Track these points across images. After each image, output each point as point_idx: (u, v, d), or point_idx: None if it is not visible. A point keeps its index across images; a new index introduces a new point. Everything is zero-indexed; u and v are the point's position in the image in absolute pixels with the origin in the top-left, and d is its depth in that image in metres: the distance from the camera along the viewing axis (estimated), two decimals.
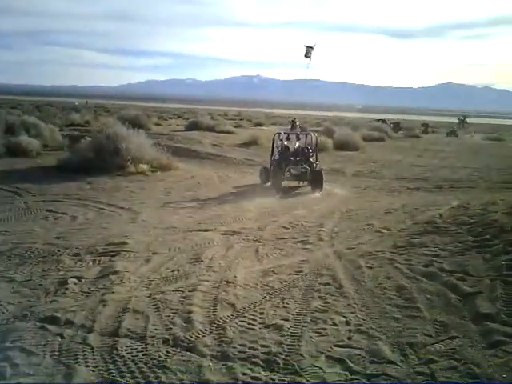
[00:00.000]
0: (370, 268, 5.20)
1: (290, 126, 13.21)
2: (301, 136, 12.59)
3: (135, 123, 19.68)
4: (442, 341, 3.53)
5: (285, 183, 11.64)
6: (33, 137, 16.20)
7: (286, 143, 12.09)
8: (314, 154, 12.22)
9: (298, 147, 12.13)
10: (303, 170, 11.46)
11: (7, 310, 4.15)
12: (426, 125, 49.40)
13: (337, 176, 14.41)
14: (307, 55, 13.91)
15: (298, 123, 13.36)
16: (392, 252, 5.70)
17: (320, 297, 4.54)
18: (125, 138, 13.18)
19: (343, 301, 4.41)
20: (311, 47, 13.85)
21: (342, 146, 21.71)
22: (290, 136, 12.40)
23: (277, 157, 12.00)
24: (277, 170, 11.54)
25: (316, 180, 11.54)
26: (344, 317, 4.06)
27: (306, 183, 11.84)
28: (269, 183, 11.88)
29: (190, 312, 4.06)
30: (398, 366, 3.23)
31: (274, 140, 12.70)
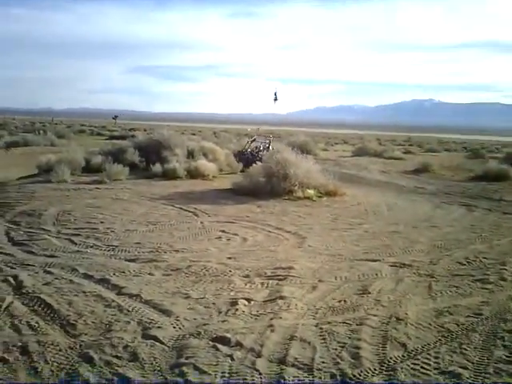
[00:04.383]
0: None
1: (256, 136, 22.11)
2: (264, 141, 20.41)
3: (303, 149, 20.12)
4: None
5: None
6: (210, 161, 17.41)
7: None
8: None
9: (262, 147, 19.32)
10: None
11: (183, 326, 4.41)
12: None
13: None
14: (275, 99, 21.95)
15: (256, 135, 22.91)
16: None
17: (504, 345, 4.08)
18: (293, 164, 13.47)
19: None
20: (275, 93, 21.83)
21: None
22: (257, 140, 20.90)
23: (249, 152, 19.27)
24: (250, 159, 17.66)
25: None
26: None
27: None
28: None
29: (357, 347, 3.90)
30: None
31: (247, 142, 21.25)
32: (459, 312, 4.84)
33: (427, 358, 3.81)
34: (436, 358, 3.82)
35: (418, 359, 3.78)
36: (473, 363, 3.75)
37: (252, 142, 21.13)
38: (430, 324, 4.51)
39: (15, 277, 5.75)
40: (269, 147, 18.94)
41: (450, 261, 6.93)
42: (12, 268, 6.19)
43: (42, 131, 31.54)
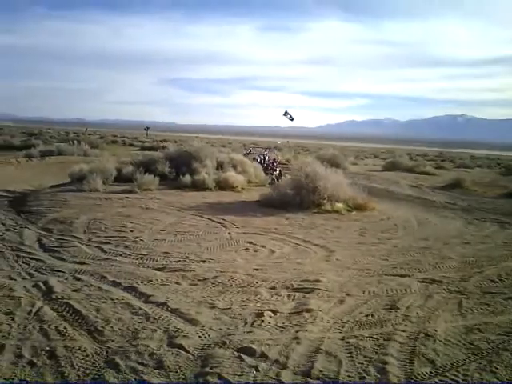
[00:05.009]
0: None
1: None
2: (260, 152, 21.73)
3: (332, 162, 20.03)
4: None
5: None
6: (239, 173, 17.47)
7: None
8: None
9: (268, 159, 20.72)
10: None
11: (209, 336, 4.42)
12: None
13: None
14: (285, 115, 21.50)
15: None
16: None
17: None
18: (323, 177, 13.41)
19: None
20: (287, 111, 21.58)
21: None
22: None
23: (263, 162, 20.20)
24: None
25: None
26: None
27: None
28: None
29: (384, 362, 3.83)
30: None
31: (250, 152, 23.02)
32: (490, 330, 4.71)
33: (455, 375, 3.71)
34: (465, 375, 3.72)
35: (446, 376, 3.69)
36: (502, 382, 3.64)
37: (248, 153, 22.63)
38: (459, 341, 4.40)
39: (45, 282, 5.87)
40: (265, 158, 20.41)
41: (481, 278, 6.76)
42: (43, 274, 6.32)
43: (75, 141, 32.18)
